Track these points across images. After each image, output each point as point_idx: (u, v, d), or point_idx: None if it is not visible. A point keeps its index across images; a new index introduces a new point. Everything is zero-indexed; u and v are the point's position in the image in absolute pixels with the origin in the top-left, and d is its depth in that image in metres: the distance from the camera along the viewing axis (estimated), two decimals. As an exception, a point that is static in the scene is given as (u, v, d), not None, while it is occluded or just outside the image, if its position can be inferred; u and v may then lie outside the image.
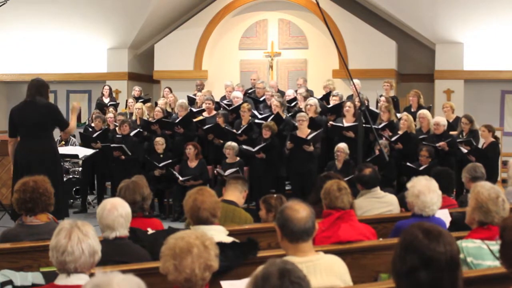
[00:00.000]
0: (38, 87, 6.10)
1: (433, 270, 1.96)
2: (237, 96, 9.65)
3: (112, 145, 8.87)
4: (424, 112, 8.51)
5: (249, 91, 10.47)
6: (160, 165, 8.57)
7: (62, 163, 7.74)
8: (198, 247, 2.35)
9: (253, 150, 8.27)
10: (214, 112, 9.43)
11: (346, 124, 8.36)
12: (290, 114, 9.09)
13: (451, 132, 8.31)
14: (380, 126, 8.37)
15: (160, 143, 8.83)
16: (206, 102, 9.56)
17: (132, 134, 9.21)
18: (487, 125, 8.15)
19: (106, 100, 11.46)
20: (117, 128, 9.44)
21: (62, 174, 6.79)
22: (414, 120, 8.51)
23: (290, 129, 8.66)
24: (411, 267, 1.97)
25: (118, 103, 11.50)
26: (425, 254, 1.97)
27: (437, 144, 7.83)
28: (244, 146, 8.40)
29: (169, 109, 10.18)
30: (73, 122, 6.43)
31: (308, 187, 7.27)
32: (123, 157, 8.85)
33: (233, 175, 5.03)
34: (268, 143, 8.29)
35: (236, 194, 4.62)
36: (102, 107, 10.93)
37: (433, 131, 8.14)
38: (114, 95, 12.09)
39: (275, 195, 4.69)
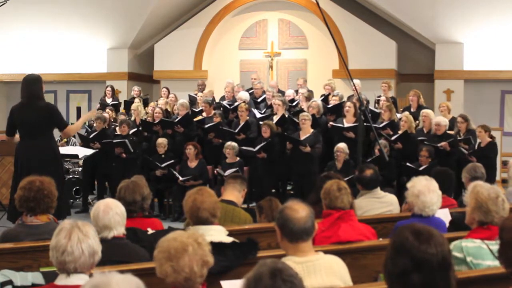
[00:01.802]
0: (33, 85, 6.06)
1: (425, 272, 1.95)
2: (242, 97, 9.65)
3: (114, 141, 8.86)
4: (427, 111, 8.51)
5: (250, 91, 10.47)
6: (163, 165, 8.57)
7: (62, 163, 7.73)
8: (192, 245, 2.35)
9: (254, 150, 8.28)
10: (213, 112, 9.45)
11: (346, 125, 8.36)
12: (291, 113, 9.10)
13: (448, 132, 8.31)
14: (381, 126, 8.37)
15: (162, 145, 8.83)
16: (203, 104, 9.59)
17: (131, 132, 9.21)
18: (483, 125, 8.16)
19: (109, 100, 11.45)
20: (117, 128, 9.44)
21: (63, 174, 6.80)
22: (414, 120, 8.51)
23: (293, 129, 8.68)
24: (403, 270, 1.96)
25: (121, 103, 11.50)
26: (416, 256, 1.96)
27: (439, 144, 7.82)
28: (244, 147, 8.39)
29: (169, 109, 10.18)
30: (76, 125, 6.49)
31: (309, 187, 7.27)
32: (124, 155, 8.84)
33: (231, 174, 4.96)
34: (269, 142, 8.29)
35: (235, 193, 4.59)
36: (104, 108, 10.91)
37: (434, 131, 8.14)
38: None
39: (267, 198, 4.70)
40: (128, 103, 10.89)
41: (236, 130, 8.75)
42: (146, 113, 9.96)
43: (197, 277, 2.35)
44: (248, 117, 8.97)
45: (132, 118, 9.91)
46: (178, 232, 2.44)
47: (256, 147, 8.31)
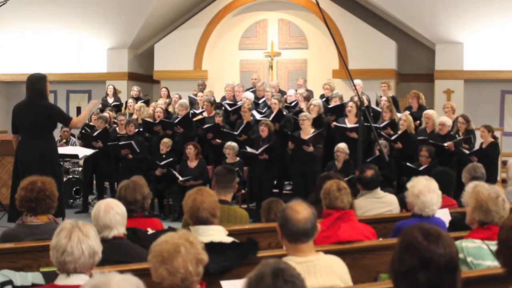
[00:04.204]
0: (36, 84, 6.08)
1: (431, 272, 1.96)
2: (248, 96, 9.62)
3: (121, 143, 8.86)
4: (429, 112, 8.50)
5: (250, 91, 10.45)
6: (162, 163, 8.56)
7: (61, 164, 7.74)
8: (184, 245, 2.35)
9: (257, 152, 8.26)
10: (213, 112, 9.44)
11: (349, 125, 8.35)
12: (290, 113, 9.09)
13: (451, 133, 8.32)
14: (382, 125, 8.37)
15: (166, 145, 8.82)
16: (205, 103, 9.59)
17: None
18: (486, 125, 8.15)
19: (110, 100, 11.46)
20: (117, 128, 9.44)
21: (61, 175, 6.80)
22: (414, 121, 8.51)
23: (291, 127, 8.67)
24: (410, 268, 1.98)
25: (122, 104, 11.51)
26: (424, 255, 1.97)
27: (445, 144, 7.81)
28: (249, 149, 8.37)
29: (170, 109, 10.19)
30: (81, 116, 6.49)
31: (311, 187, 7.26)
32: (130, 156, 8.83)
33: (216, 172, 4.68)
34: (271, 144, 8.27)
35: (223, 192, 4.43)
36: (106, 108, 10.91)
37: (437, 131, 8.15)
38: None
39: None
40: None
41: (238, 132, 8.74)
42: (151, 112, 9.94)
43: (193, 276, 2.34)
44: (251, 117, 8.96)
45: (134, 117, 9.90)
46: (169, 234, 2.43)
47: (259, 149, 8.28)
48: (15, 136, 6.28)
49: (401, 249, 2.03)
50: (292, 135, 8.20)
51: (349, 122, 8.43)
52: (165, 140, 8.87)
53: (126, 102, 11.23)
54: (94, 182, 9.64)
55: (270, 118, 8.66)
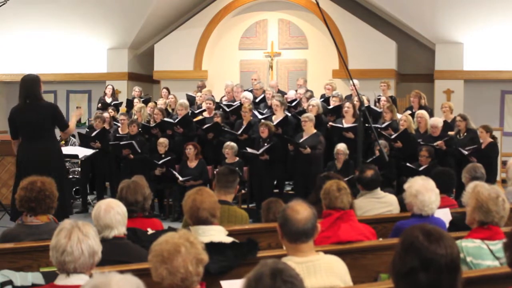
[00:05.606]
0: (32, 85, 6.03)
1: (432, 272, 1.96)
2: (247, 96, 9.62)
3: (122, 143, 8.85)
4: (422, 112, 8.50)
5: (248, 91, 10.45)
6: (159, 162, 8.55)
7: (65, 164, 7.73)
8: (185, 245, 2.35)
9: (258, 152, 8.26)
10: (213, 113, 9.43)
11: (345, 125, 8.36)
12: (291, 114, 9.08)
13: (449, 133, 8.30)
14: (383, 126, 8.37)
15: (163, 144, 8.82)
16: (207, 102, 9.56)
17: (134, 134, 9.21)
18: (484, 126, 8.14)
19: (109, 99, 11.45)
20: (119, 129, 9.43)
21: (66, 175, 6.79)
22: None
23: (292, 128, 8.66)
24: (411, 268, 1.97)
25: (121, 103, 11.51)
26: (425, 256, 1.97)
27: (435, 143, 7.82)
28: (249, 150, 8.37)
29: (169, 109, 10.18)
30: (72, 124, 6.42)
31: (311, 187, 7.25)
32: (131, 156, 8.83)
33: (218, 172, 4.67)
34: (272, 145, 8.27)
35: (223, 192, 4.41)
36: (105, 107, 10.91)
37: (431, 133, 8.14)
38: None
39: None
40: (130, 103, 10.89)
41: (239, 132, 8.74)
42: (150, 114, 9.94)
43: (193, 276, 2.34)
44: (251, 117, 8.95)
45: (134, 117, 9.89)
46: (169, 234, 2.43)
47: (260, 149, 8.28)
48: (15, 142, 6.17)
49: (402, 249, 2.03)
50: (288, 138, 8.22)
51: (346, 123, 8.44)
52: (161, 140, 8.85)
53: (127, 100, 11.22)
54: (95, 182, 9.64)
55: (275, 123, 8.64)
